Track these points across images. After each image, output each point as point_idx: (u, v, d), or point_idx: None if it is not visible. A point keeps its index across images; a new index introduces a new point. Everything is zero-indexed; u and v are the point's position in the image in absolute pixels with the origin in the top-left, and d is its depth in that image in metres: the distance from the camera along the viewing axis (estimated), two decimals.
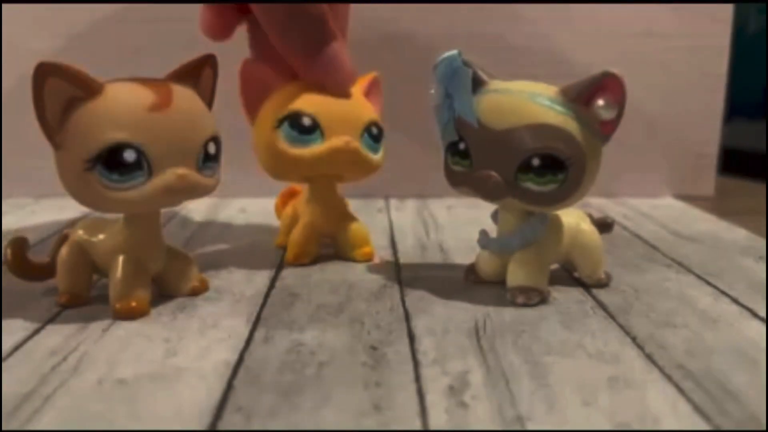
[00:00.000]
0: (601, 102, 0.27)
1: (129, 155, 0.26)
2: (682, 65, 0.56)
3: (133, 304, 0.29)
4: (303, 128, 0.33)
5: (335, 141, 0.33)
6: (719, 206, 0.54)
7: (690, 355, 0.25)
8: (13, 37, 0.53)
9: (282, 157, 0.34)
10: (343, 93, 0.34)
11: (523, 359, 0.25)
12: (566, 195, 0.29)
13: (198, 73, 0.30)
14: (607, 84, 0.27)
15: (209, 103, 0.31)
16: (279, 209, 0.42)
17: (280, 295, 0.32)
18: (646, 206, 0.53)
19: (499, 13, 0.54)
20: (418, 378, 0.23)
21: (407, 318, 0.29)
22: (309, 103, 0.33)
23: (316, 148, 0.33)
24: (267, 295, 0.32)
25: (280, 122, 0.33)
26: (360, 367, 0.24)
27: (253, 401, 0.22)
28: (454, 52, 0.29)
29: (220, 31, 0.36)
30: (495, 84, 0.30)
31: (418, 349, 0.26)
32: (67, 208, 0.49)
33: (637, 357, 0.25)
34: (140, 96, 0.27)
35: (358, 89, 0.36)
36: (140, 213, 0.29)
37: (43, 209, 0.52)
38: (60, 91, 0.26)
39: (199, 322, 0.29)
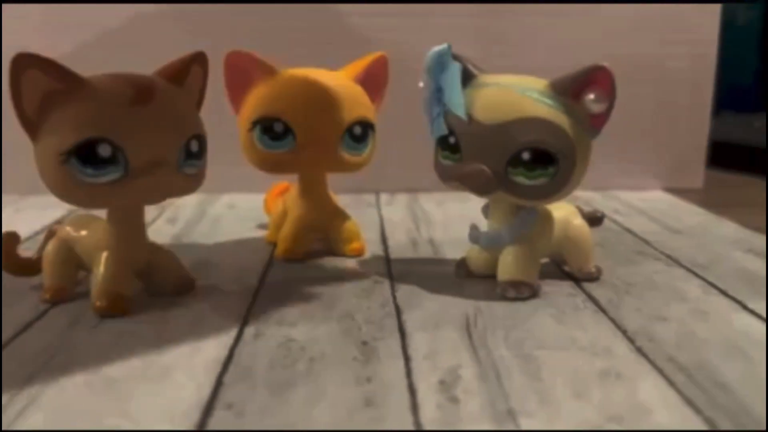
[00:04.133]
0: (591, 95, 0.27)
1: (104, 150, 0.26)
2: (670, 58, 0.56)
3: (114, 301, 0.29)
4: (274, 134, 0.33)
5: (305, 151, 0.33)
6: (708, 199, 0.54)
7: (680, 348, 0.25)
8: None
9: (259, 158, 0.34)
10: None
11: (514, 353, 0.25)
12: (557, 189, 0.29)
13: (186, 71, 0.29)
14: (597, 77, 0.27)
15: (199, 101, 0.31)
16: (268, 205, 0.42)
17: (270, 291, 0.32)
18: (635, 199, 0.53)
19: (492, 9, 0.54)
20: (409, 373, 0.23)
21: (398, 313, 0.29)
22: (283, 105, 0.33)
23: (287, 154, 0.33)
24: (257, 292, 0.32)
25: (253, 125, 0.33)
26: (351, 362, 0.24)
27: (244, 398, 0.22)
28: (444, 45, 0.29)
29: None
30: (485, 78, 0.30)
31: (409, 344, 0.26)
32: (51, 206, 0.48)
33: (628, 350, 0.25)
34: (120, 91, 0.26)
35: (349, 78, 0.35)
36: (123, 209, 0.29)
37: (27, 206, 0.51)
38: (38, 84, 0.25)
39: (189, 319, 0.28)
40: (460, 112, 0.28)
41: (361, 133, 0.35)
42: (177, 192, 0.29)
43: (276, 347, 0.26)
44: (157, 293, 0.31)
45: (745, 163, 0.68)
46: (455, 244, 0.39)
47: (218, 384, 0.23)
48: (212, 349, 0.25)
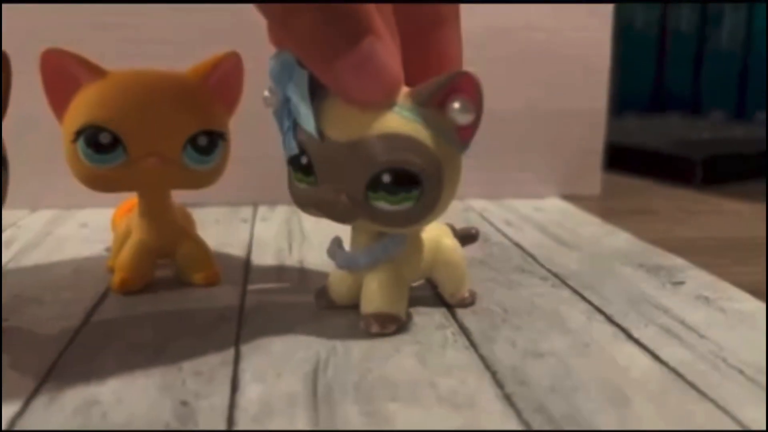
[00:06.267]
0: (456, 105, 0.24)
1: None
2: (564, 61, 0.54)
3: None
4: (100, 146, 0.28)
5: (140, 163, 0.29)
6: (605, 206, 0.53)
7: (554, 393, 0.22)
8: None
9: (85, 175, 0.29)
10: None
11: (361, 409, 0.21)
12: (423, 214, 0.25)
13: None
14: (460, 84, 0.24)
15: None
16: (115, 224, 0.37)
17: (93, 334, 0.27)
18: (530, 209, 0.51)
19: None
20: None
21: (237, 359, 0.25)
22: (111, 112, 0.28)
23: (117, 169, 0.29)
24: (74, 336, 0.27)
25: (77, 136, 0.28)
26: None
27: None
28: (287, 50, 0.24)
29: None
30: None
31: (239, 402, 0.22)
32: None
33: (495, 398, 0.22)
34: None
35: (193, 79, 0.30)
36: None
37: None
38: None
39: None
40: (311, 128, 0.24)
41: (207, 143, 0.30)
42: None
43: (72, 414, 0.21)
44: None
45: (642, 167, 0.67)
46: (328, 268, 0.35)
47: None
48: None
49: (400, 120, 0.24)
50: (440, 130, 0.24)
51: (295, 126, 0.25)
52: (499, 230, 0.44)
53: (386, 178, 0.24)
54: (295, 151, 0.25)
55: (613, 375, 0.24)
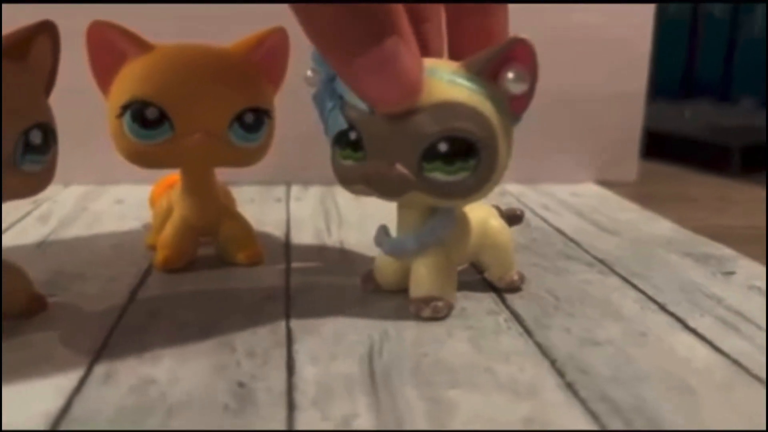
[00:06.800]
0: (510, 74, 0.23)
1: None
2: (604, 45, 0.52)
3: None
4: (147, 122, 0.28)
5: (186, 140, 0.28)
6: (641, 192, 0.52)
7: (616, 382, 0.22)
8: None
9: (130, 150, 0.28)
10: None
11: (421, 394, 0.21)
12: (479, 184, 0.24)
13: (27, 44, 0.24)
14: (516, 52, 0.23)
15: (49, 82, 0.25)
16: (154, 201, 0.37)
17: (139, 311, 0.27)
18: (566, 193, 0.50)
19: None
20: (291, 427, 0.19)
21: (289, 340, 0.24)
22: (158, 87, 0.28)
23: (163, 145, 0.28)
24: (122, 313, 0.26)
25: (123, 110, 0.28)
26: (220, 412, 0.20)
27: None
28: None
29: None
30: None
31: (297, 384, 0.21)
32: None
33: (557, 387, 0.21)
34: None
35: (240, 55, 0.30)
36: None
37: None
38: None
39: (26, 354, 0.23)
40: (360, 102, 0.24)
41: (253, 121, 0.29)
42: (11, 195, 0.23)
43: (128, 392, 0.20)
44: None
45: (676, 154, 0.66)
46: (369, 249, 0.35)
47: None
48: (45, 397, 0.20)
49: (455, 88, 0.23)
50: (495, 99, 0.24)
51: (341, 103, 0.25)
52: (537, 215, 0.43)
53: (443, 146, 0.23)
54: (344, 126, 0.24)
55: (674, 365, 0.23)
